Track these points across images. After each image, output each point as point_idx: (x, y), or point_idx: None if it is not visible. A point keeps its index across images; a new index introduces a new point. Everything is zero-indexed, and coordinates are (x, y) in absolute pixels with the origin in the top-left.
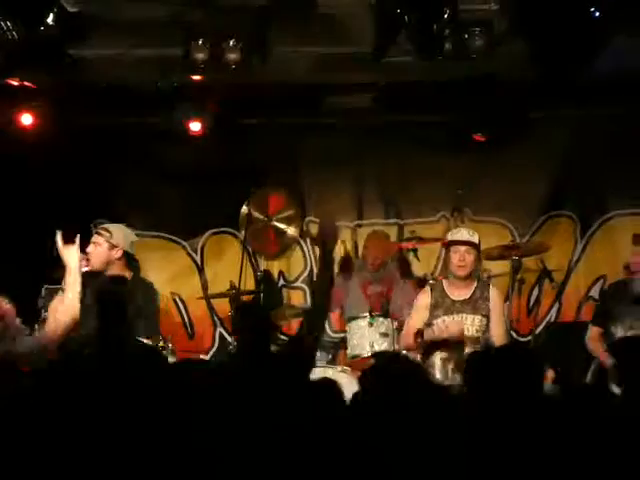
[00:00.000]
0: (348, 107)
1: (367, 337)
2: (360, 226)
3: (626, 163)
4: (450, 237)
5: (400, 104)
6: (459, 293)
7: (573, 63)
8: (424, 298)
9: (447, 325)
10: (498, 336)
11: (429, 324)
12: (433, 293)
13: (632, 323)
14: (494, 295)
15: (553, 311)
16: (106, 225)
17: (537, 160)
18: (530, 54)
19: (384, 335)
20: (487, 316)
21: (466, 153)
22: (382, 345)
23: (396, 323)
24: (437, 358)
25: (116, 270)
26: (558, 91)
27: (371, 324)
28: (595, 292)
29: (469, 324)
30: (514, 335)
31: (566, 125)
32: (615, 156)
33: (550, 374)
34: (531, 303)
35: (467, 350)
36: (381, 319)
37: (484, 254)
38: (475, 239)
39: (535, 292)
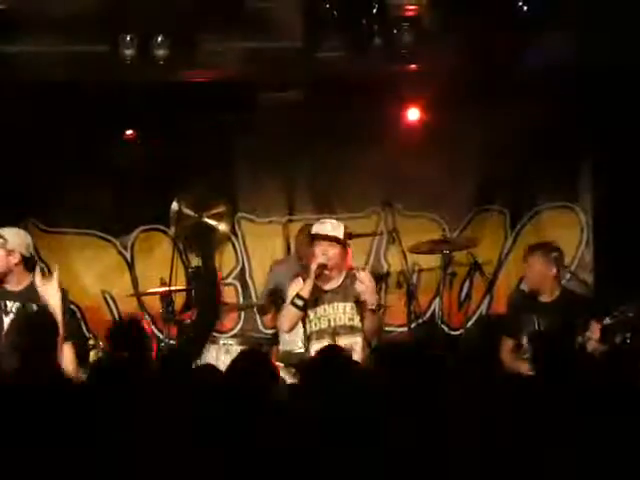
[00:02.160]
0: (279, 103)
1: (300, 334)
2: (291, 221)
3: (554, 158)
4: (314, 230)
5: (331, 100)
6: (328, 283)
7: (502, 58)
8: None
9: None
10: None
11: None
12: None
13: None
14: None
15: (484, 304)
16: None
17: (468, 154)
18: (459, 49)
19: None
20: (358, 302)
21: (398, 148)
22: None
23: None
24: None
25: (15, 276)
26: (487, 86)
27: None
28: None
29: (341, 313)
30: (445, 329)
31: (496, 120)
32: (544, 151)
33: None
34: (462, 297)
35: (341, 340)
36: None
37: (414, 248)
38: (340, 234)
39: (466, 286)
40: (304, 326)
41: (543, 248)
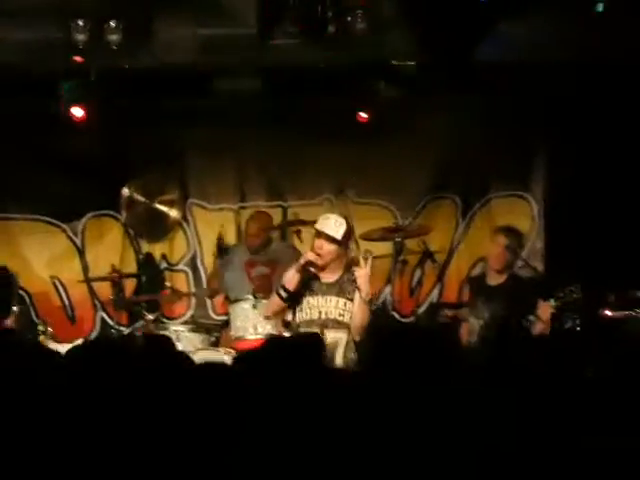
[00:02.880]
0: (233, 90)
1: (251, 319)
2: (243, 208)
3: (505, 147)
4: (318, 225)
5: (285, 88)
6: (326, 276)
7: (457, 49)
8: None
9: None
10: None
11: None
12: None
13: (482, 312)
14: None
15: (435, 292)
16: None
17: (420, 143)
18: (415, 39)
19: (268, 317)
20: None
21: (350, 136)
22: (266, 328)
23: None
24: None
25: None
26: (442, 76)
27: (255, 306)
28: (476, 273)
29: (332, 307)
30: (397, 316)
31: (449, 109)
32: (495, 140)
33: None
34: (413, 284)
35: (329, 334)
36: (264, 302)
37: (366, 235)
38: (338, 234)
39: (417, 273)
40: (293, 314)
41: (509, 231)
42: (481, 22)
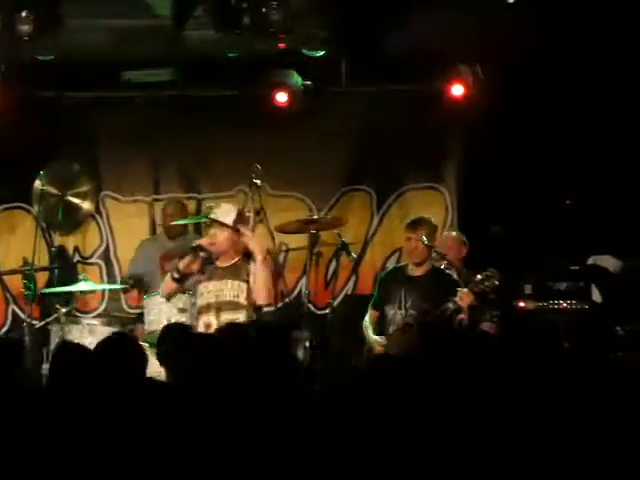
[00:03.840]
0: (145, 81)
1: (165, 312)
2: (157, 200)
3: (419, 139)
4: (212, 215)
5: (198, 78)
6: (222, 261)
7: (367, 39)
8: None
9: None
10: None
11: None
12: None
13: (401, 301)
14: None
15: (350, 283)
16: None
17: (334, 135)
18: (328, 29)
19: (182, 310)
20: (247, 281)
21: (264, 127)
22: (180, 320)
23: (194, 298)
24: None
25: None
26: (354, 67)
27: (168, 299)
28: (391, 264)
29: (228, 289)
30: (312, 308)
31: (362, 101)
32: (408, 132)
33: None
34: (329, 276)
35: (224, 316)
36: (179, 295)
37: (281, 228)
38: (228, 220)
39: (332, 265)
40: (195, 301)
41: (426, 223)
42: (390, 13)
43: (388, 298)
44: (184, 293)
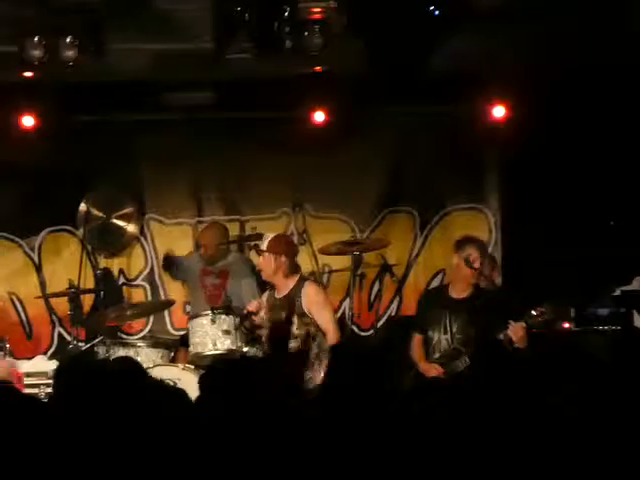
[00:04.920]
0: (187, 104)
1: (209, 335)
2: (201, 223)
3: (461, 160)
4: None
5: (240, 101)
6: (279, 291)
7: (409, 59)
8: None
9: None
10: (327, 331)
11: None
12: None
13: (447, 325)
14: (308, 292)
15: (394, 305)
16: None
17: (376, 156)
18: (367, 51)
19: (226, 332)
20: (303, 314)
21: (306, 149)
22: (225, 343)
23: (238, 319)
24: None
25: None
26: (396, 88)
27: (213, 321)
28: (435, 285)
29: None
30: (355, 330)
31: (404, 121)
32: (450, 153)
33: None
34: (372, 298)
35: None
36: (223, 316)
37: (324, 249)
38: (262, 245)
39: (376, 287)
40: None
41: (473, 243)
42: (433, 33)
43: (431, 321)
44: (228, 314)
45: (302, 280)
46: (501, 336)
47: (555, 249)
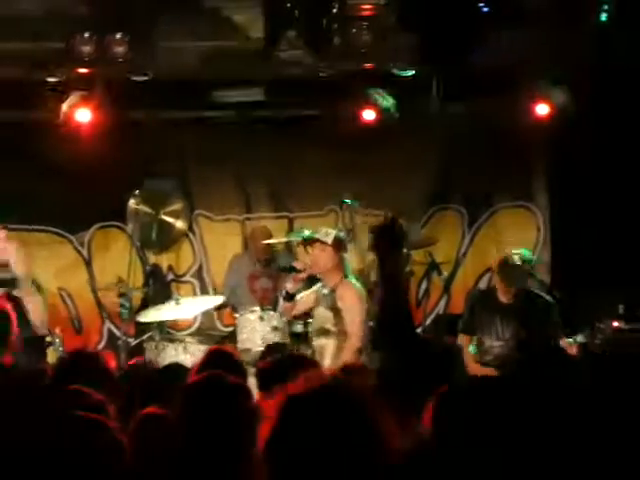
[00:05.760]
0: (236, 101)
1: (258, 331)
2: (249, 219)
3: (509, 158)
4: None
5: (289, 98)
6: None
7: (458, 56)
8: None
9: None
10: (351, 334)
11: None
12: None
13: (499, 331)
14: (343, 292)
15: (442, 303)
16: None
17: (425, 153)
18: (417, 46)
19: (275, 329)
20: (335, 309)
21: (355, 147)
22: (274, 339)
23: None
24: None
25: None
26: (444, 83)
27: (262, 318)
28: (483, 284)
29: (320, 315)
30: None
31: (452, 119)
32: (497, 150)
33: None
34: (420, 295)
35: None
36: (272, 312)
37: (372, 248)
38: (328, 239)
39: (424, 285)
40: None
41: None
42: (482, 30)
43: (481, 325)
44: (277, 311)
45: (343, 278)
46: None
47: (604, 247)
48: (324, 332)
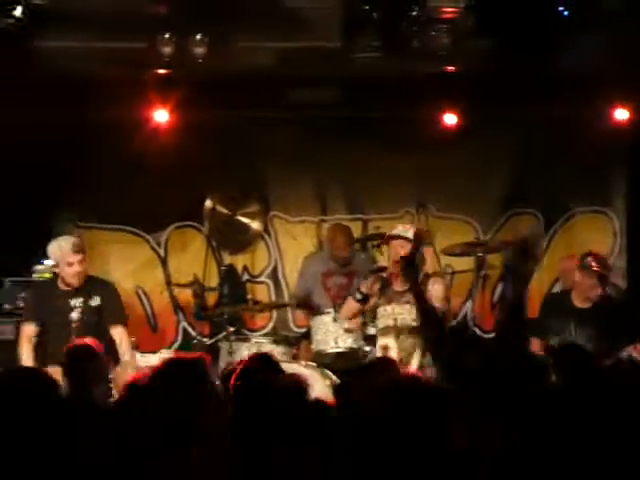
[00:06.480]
0: (312, 101)
1: (332, 333)
2: (324, 221)
3: (586, 161)
4: (393, 232)
5: (364, 99)
6: (397, 285)
7: (537, 61)
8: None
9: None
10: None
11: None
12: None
13: (571, 336)
14: (437, 287)
15: None
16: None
17: (501, 157)
18: (495, 50)
19: (348, 331)
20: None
21: (430, 149)
22: (347, 341)
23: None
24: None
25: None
26: (521, 88)
27: (335, 320)
28: (558, 288)
29: (406, 313)
30: (478, 331)
31: (530, 121)
32: (574, 154)
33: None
34: (495, 299)
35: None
36: None
37: (447, 250)
38: (408, 234)
39: (499, 289)
40: (373, 321)
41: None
42: (561, 34)
43: (554, 329)
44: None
45: (428, 276)
46: (624, 355)
47: None
48: (414, 330)
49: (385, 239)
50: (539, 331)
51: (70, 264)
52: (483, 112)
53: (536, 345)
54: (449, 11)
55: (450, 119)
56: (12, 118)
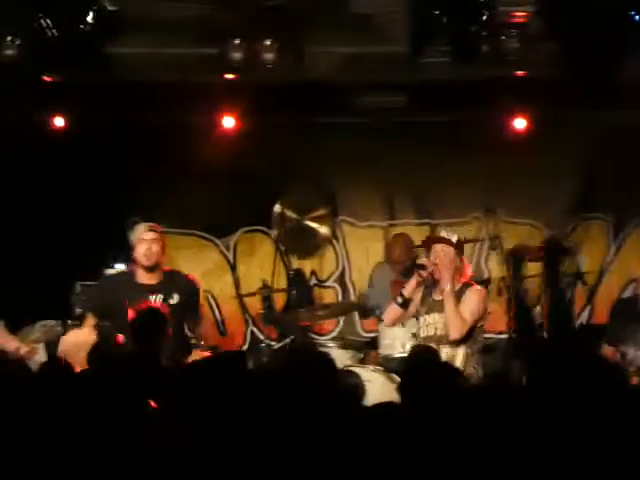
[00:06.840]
0: (380, 107)
1: (399, 338)
2: (392, 226)
3: None
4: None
5: (432, 104)
6: (436, 293)
7: (607, 65)
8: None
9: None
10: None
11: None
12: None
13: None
14: (470, 295)
15: (585, 313)
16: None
17: (570, 162)
18: (565, 54)
19: (415, 336)
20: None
21: (499, 153)
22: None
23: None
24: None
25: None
26: (592, 92)
27: (403, 324)
28: (628, 294)
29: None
30: (545, 337)
31: (599, 126)
32: None
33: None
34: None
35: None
36: (413, 320)
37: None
38: (452, 238)
39: (568, 294)
40: (417, 332)
41: None
42: (632, 39)
43: (625, 335)
44: (417, 319)
45: (467, 285)
46: None
47: None
48: (444, 339)
49: (427, 241)
50: (610, 338)
51: (143, 241)
52: (553, 116)
53: (608, 352)
54: (519, 15)
55: (520, 123)
56: (83, 124)
